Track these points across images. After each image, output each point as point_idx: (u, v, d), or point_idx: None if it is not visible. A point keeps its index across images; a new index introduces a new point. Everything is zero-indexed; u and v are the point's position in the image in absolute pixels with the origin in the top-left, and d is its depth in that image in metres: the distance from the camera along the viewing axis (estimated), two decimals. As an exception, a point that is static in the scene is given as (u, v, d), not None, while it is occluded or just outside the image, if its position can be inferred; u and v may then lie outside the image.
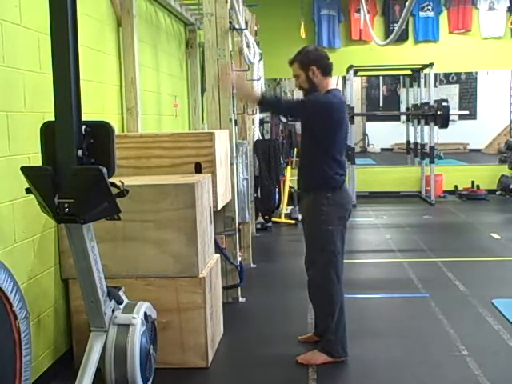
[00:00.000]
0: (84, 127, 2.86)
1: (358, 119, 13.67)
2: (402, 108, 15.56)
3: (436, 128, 10.54)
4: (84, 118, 2.88)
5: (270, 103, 3.93)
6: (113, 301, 3.19)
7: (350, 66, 10.35)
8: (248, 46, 6.38)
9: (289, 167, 9.52)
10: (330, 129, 3.71)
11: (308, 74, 3.76)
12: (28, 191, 2.89)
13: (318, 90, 3.79)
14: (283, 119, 10.48)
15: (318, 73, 3.75)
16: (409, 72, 11.75)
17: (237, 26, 5.37)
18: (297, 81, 3.87)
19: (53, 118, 2.85)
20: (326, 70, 3.78)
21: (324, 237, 3.73)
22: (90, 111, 3.72)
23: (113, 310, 3.19)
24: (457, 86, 18.52)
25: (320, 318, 3.90)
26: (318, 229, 3.72)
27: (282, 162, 8.93)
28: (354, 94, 11.71)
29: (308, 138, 3.86)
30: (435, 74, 12.92)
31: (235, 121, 5.37)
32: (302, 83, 3.82)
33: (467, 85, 18.57)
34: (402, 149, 14.03)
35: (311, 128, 3.79)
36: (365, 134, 18.24)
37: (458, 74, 17.92)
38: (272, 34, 10.28)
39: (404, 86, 14.96)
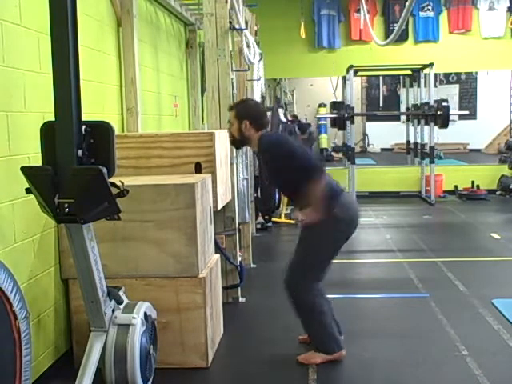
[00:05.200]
0: (84, 127, 2.87)
1: (357, 119, 13.65)
2: (402, 108, 15.56)
3: (436, 128, 10.53)
4: (84, 118, 2.88)
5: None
6: (113, 301, 3.19)
7: (350, 66, 10.35)
8: (248, 46, 6.38)
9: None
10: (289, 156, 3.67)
11: (241, 125, 3.82)
12: (28, 191, 2.89)
13: (249, 143, 3.90)
14: (283, 119, 10.46)
15: (249, 127, 3.81)
16: (409, 72, 11.75)
17: (237, 26, 5.37)
18: (230, 127, 3.95)
19: (53, 118, 2.85)
20: (259, 127, 3.83)
21: (314, 247, 3.73)
22: (89, 111, 3.71)
23: (113, 310, 3.19)
24: (457, 86, 18.51)
25: (304, 324, 3.90)
26: (313, 239, 3.72)
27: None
28: (354, 93, 11.69)
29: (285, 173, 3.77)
30: (435, 74, 12.92)
31: (235, 121, 5.36)
32: (233, 131, 3.90)
33: (467, 85, 18.56)
34: (401, 149, 14.02)
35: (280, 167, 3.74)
36: (365, 134, 18.25)
37: (458, 74, 17.92)
38: (272, 34, 10.29)
39: (404, 86, 14.96)
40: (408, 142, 12.53)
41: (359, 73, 11.45)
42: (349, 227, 3.77)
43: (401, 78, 16.76)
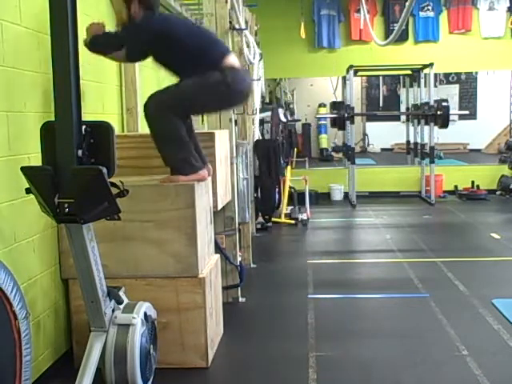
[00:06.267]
0: (84, 127, 2.87)
1: (357, 119, 13.61)
2: (402, 108, 15.54)
3: (436, 128, 10.53)
4: (84, 118, 2.88)
5: (99, 42, 3.73)
6: (113, 301, 3.19)
7: (350, 66, 10.35)
8: (248, 46, 6.38)
9: (289, 167, 9.53)
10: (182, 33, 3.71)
11: (130, 8, 3.67)
12: (28, 191, 2.90)
13: None
14: (283, 119, 10.45)
15: (137, 8, 3.66)
16: (409, 72, 11.75)
17: (237, 26, 5.38)
18: (117, 16, 3.81)
19: (53, 118, 2.85)
20: (148, 5, 3.71)
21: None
22: (89, 111, 3.71)
23: (113, 310, 3.19)
24: (457, 86, 18.50)
25: (160, 147, 3.81)
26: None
27: (282, 162, 8.93)
28: (354, 93, 11.69)
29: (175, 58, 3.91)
30: (435, 74, 12.91)
31: (235, 121, 5.37)
32: (123, 16, 3.74)
33: (467, 85, 18.54)
34: (402, 149, 14.01)
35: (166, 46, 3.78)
36: (365, 134, 18.23)
37: (458, 74, 17.90)
38: (272, 34, 10.29)
39: (404, 86, 14.95)
40: (408, 141, 12.53)
41: (359, 73, 11.46)
42: (237, 95, 3.93)
43: (401, 78, 16.75)
